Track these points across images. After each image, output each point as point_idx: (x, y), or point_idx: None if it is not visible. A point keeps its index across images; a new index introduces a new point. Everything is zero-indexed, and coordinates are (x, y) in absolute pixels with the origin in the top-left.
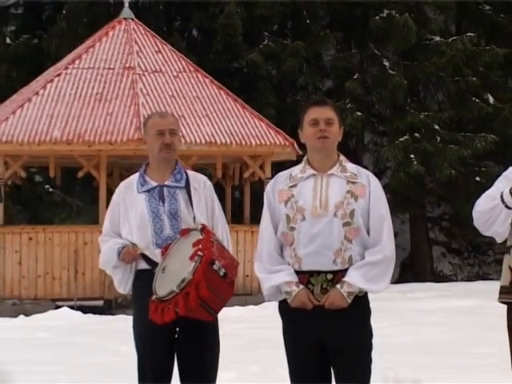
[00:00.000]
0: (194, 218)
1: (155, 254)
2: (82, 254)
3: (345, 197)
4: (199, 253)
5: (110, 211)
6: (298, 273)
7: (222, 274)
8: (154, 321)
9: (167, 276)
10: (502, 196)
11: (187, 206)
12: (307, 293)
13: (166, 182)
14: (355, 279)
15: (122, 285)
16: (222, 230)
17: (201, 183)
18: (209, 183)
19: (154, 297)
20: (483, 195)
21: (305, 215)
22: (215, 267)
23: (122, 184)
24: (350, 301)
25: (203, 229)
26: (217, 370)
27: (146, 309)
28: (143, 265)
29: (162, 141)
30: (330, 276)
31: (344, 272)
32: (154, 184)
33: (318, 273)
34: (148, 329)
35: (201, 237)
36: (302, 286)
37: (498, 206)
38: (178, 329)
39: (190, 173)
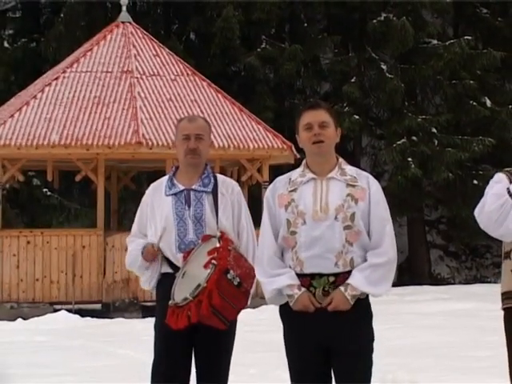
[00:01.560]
0: (218, 223)
1: (177, 258)
2: (79, 257)
3: (345, 200)
4: (213, 261)
5: (139, 212)
6: (299, 276)
7: (236, 283)
8: (169, 325)
9: (186, 281)
10: (509, 191)
11: (212, 211)
12: (309, 296)
13: (194, 186)
14: (359, 282)
15: (147, 282)
16: (248, 236)
17: (229, 188)
18: (238, 189)
19: (170, 302)
20: (489, 196)
21: (305, 219)
22: (229, 276)
23: (152, 185)
24: (352, 303)
25: (221, 237)
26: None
27: (165, 311)
28: (167, 268)
29: (186, 145)
30: (331, 278)
31: (346, 274)
32: (182, 188)
33: (320, 275)
34: (163, 331)
35: (218, 245)
36: (303, 289)
37: (508, 201)
38: (196, 331)
39: (220, 177)
